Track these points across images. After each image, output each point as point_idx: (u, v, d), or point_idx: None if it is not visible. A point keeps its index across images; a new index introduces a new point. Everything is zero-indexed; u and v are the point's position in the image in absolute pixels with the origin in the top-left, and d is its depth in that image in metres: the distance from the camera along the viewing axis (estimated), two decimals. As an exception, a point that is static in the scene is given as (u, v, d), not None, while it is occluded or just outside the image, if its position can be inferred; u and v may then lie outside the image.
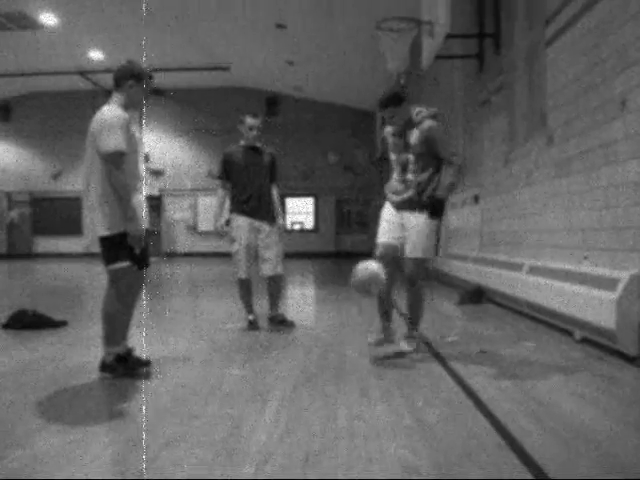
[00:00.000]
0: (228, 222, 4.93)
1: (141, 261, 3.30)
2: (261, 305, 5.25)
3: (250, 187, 4.86)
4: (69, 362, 3.69)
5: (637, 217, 3.81)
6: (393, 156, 3.87)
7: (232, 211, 4.90)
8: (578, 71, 4.69)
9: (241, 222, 4.82)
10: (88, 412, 2.68)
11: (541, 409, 2.67)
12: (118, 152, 3.10)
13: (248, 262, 4.83)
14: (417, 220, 3.74)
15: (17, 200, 20.96)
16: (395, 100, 3.72)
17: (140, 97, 3.35)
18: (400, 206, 3.81)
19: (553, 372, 3.36)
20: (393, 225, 3.82)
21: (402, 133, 3.80)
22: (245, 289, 4.92)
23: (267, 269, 4.86)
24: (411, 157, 3.77)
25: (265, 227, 4.87)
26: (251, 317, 4.95)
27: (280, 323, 4.95)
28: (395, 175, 3.87)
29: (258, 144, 4.98)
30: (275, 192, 5.02)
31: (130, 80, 3.27)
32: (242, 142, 4.99)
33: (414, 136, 3.75)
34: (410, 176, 3.78)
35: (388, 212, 3.88)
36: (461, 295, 6.67)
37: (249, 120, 4.90)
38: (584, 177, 4.60)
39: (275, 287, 4.96)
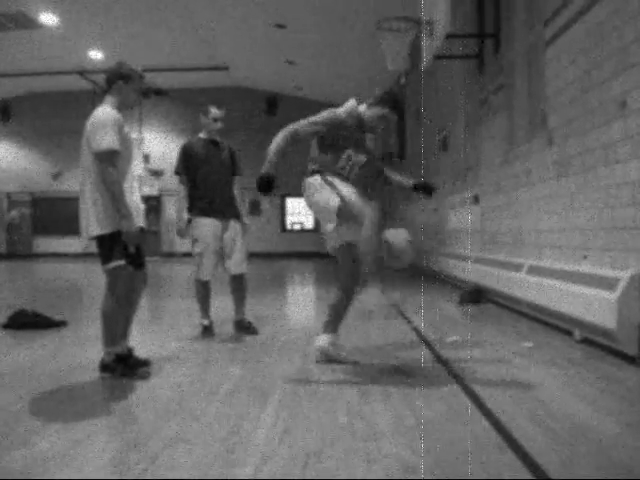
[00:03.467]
0: (189, 221, 4.58)
1: (136, 260, 3.31)
2: (254, 304, 5.23)
3: (212, 184, 4.53)
4: (69, 362, 3.69)
5: (637, 217, 3.81)
6: (351, 152, 3.48)
7: (192, 211, 4.54)
8: (578, 71, 4.69)
9: (206, 223, 4.50)
10: (88, 412, 2.68)
11: (541, 409, 2.67)
12: (111, 150, 3.12)
13: (213, 264, 4.55)
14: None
15: (17, 200, 20.97)
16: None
17: (132, 97, 3.36)
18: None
19: (553, 372, 3.36)
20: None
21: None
22: (205, 292, 4.61)
23: (234, 267, 4.59)
24: (364, 160, 3.55)
25: (232, 224, 4.59)
26: (206, 322, 4.63)
27: (246, 329, 4.67)
28: (336, 172, 3.48)
29: (218, 138, 4.66)
30: (237, 186, 4.72)
31: (119, 81, 3.30)
32: (202, 135, 4.66)
33: (369, 140, 3.64)
34: (352, 178, 3.54)
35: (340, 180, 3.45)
36: (461, 295, 6.68)
37: (214, 111, 4.56)
38: (584, 177, 4.60)
39: (240, 287, 4.67)
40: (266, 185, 3.31)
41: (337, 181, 3.42)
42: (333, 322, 3.61)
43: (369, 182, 3.64)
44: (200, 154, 4.56)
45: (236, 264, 4.60)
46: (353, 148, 3.52)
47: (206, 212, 4.52)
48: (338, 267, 3.64)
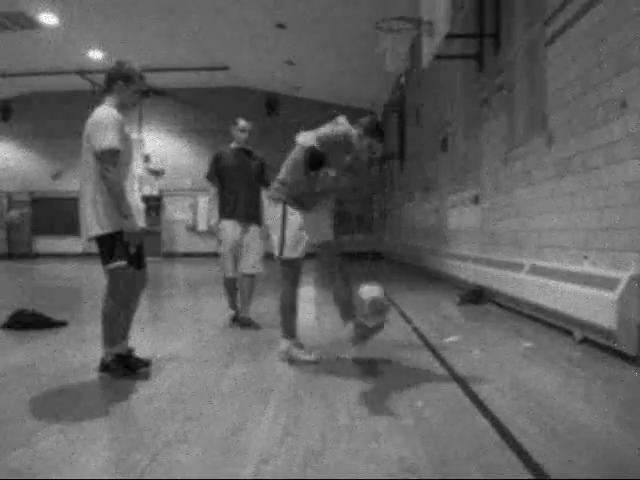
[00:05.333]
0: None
1: (136, 260, 3.30)
2: (259, 302, 5.24)
3: (238, 189, 4.94)
4: (69, 362, 3.69)
5: (637, 217, 3.81)
6: (330, 170, 3.54)
7: (220, 215, 4.96)
8: (578, 71, 4.69)
9: (228, 225, 4.92)
10: (88, 412, 2.68)
11: (541, 409, 2.67)
12: (112, 150, 3.11)
13: (233, 262, 4.97)
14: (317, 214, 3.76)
15: (17, 200, 20.96)
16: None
17: (131, 97, 3.36)
18: (307, 208, 3.70)
19: (553, 372, 3.36)
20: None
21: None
22: (230, 287, 5.07)
23: (247, 268, 4.95)
24: (334, 174, 3.57)
25: (252, 229, 4.98)
26: (233, 312, 5.13)
27: (247, 325, 4.95)
28: (307, 189, 3.61)
29: (248, 147, 5.11)
30: (265, 196, 5.02)
31: (119, 81, 3.29)
32: (233, 144, 5.10)
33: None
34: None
35: (297, 216, 3.66)
36: (461, 295, 6.68)
37: (241, 122, 5.05)
38: (584, 177, 4.60)
39: (249, 286, 4.99)
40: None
41: (293, 220, 3.61)
42: (285, 326, 3.76)
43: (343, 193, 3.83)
44: (230, 162, 4.99)
45: (249, 265, 4.97)
46: (335, 166, 3.55)
47: (229, 215, 4.94)
48: (323, 266, 3.84)
